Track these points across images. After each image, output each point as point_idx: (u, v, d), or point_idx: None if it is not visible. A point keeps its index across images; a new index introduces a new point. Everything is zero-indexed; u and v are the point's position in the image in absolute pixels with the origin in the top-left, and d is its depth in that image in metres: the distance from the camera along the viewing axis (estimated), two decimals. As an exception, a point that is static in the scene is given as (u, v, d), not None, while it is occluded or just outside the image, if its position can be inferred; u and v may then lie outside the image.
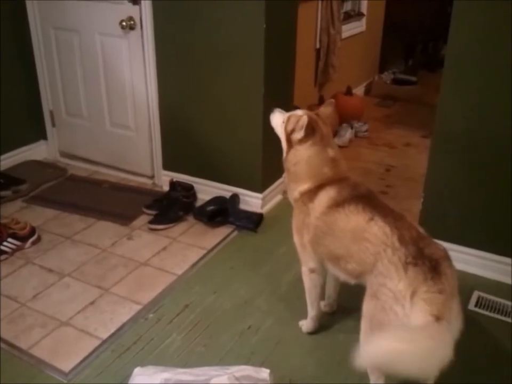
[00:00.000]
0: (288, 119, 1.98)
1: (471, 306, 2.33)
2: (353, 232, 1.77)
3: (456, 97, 2.35)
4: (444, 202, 2.54)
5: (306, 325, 2.17)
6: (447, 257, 1.63)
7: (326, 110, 2.03)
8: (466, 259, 2.51)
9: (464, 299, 2.32)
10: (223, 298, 2.38)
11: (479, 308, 2.32)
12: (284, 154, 2.02)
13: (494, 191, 2.40)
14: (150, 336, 2.16)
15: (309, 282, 2.07)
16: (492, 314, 2.28)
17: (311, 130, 1.91)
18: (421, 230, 1.74)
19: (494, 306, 2.33)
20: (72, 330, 2.19)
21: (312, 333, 2.17)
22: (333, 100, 2.04)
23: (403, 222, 1.72)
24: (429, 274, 1.52)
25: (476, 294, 2.40)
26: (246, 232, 2.89)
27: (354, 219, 1.78)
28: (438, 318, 1.45)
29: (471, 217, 2.50)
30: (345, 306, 2.25)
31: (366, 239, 1.71)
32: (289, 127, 1.96)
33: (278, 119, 2.04)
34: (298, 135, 1.92)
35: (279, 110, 2.08)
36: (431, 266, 1.55)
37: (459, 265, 2.45)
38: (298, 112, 2.01)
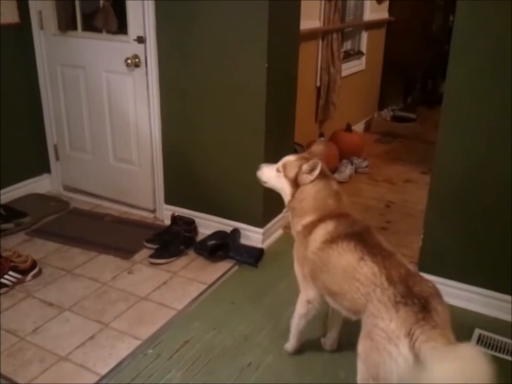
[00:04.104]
0: (285, 166, 2.04)
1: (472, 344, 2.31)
2: (345, 271, 1.79)
3: (455, 135, 2.39)
4: (443, 238, 2.55)
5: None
6: (437, 294, 1.64)
7: (318, 147, 2.11)
8: (467, 296, 2.51)
9: (466, 337, 2.30)
10: (223, 334, 2.37)
11: (480, 346, 2.30)
12: (288, 197, 2.05)
13: (494, 228, 2.41)
14: (149, 372, 2.14)
15: (302, 310, 2.08)
16: (493, 353, 2.26)
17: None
18: (411, 267, 1.75)
19: (495, 345, 2.32)
20: (71, 366, 2.17)
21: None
22: (323, 139, 2.12)
23: (392, 261, 1.73)
24: (420, 314, 1.53)
25: (477, 332, 2.38)
26: (247, 267, 2.89)
27: (346, 257, 1.80)
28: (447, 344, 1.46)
29: (471, 254, 2.51)
30: (346, 344, 2.23)
31: (357, 279, 1.73)
32: (291, 173, 2.01)
33: (270, 172, 2.11)
34: (311, 177, 1.97)
35: (265, 164, 2.15)
36: (421, 305, 1.56)
37: (460, 303, 2.47)
38: (290, 157, 2.07)
